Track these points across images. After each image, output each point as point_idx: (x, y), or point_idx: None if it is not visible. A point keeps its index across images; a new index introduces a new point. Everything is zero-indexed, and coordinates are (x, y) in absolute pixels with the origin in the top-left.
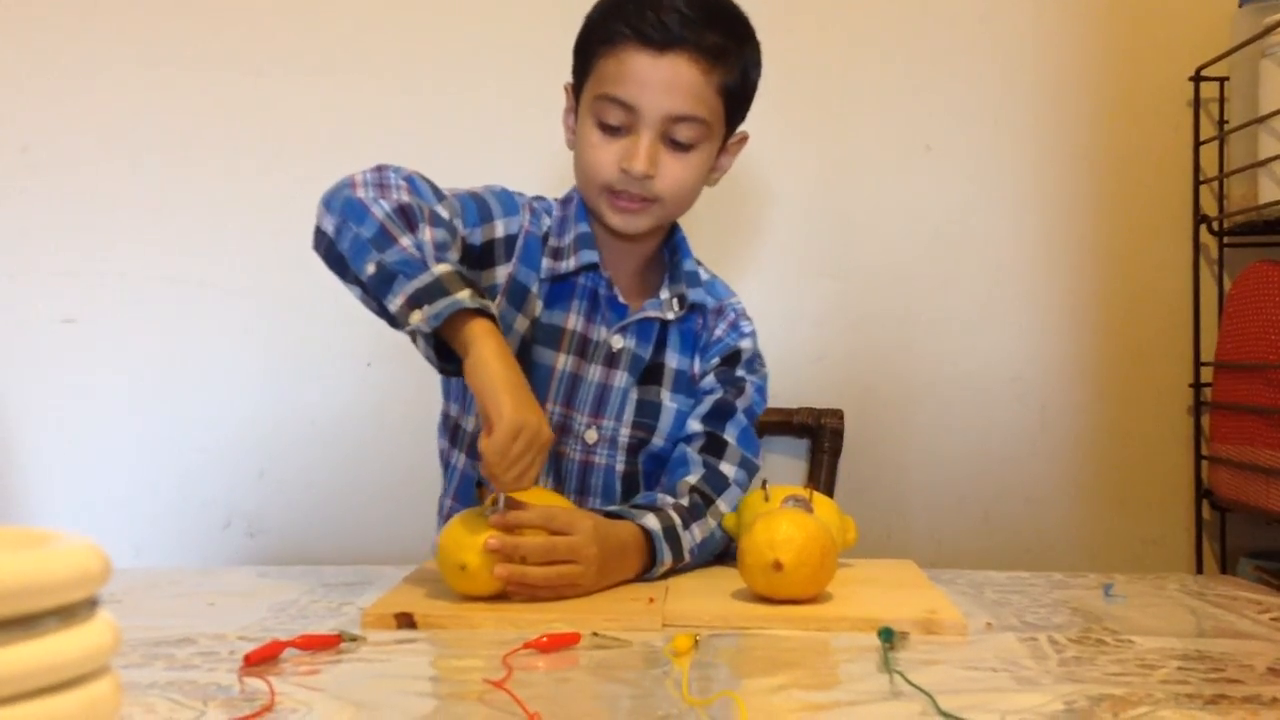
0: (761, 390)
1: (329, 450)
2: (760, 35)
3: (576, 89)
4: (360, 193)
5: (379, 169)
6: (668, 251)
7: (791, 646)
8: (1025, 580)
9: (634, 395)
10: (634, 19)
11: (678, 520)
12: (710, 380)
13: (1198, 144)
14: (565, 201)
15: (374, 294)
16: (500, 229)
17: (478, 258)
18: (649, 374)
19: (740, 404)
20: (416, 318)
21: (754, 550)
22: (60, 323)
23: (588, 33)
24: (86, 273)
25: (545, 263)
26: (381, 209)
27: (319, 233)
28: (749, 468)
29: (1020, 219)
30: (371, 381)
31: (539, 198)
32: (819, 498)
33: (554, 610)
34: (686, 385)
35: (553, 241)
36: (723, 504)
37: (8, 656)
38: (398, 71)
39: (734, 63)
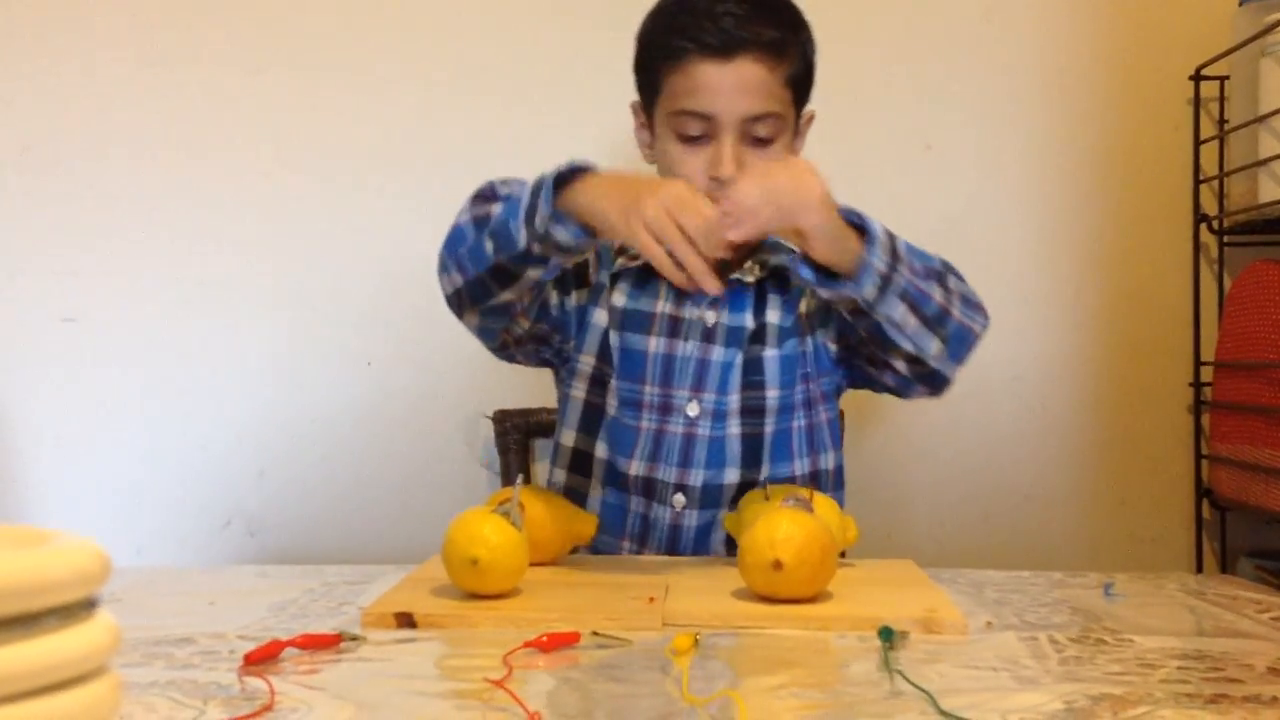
0: None
1: (329, 450)
2: None
3: (645, 106)
4: (446, 237)
5: (472, 197)
6: None
7: (791, 646)
8: (1025, 579)
9: (739, 362)
10: (693, 30)
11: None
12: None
13: (1198, 143)
14: None
15: (509, 259)
16: None
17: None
18: (754, 337)
19: None
20: (539, 221)
21: (754, 549)
22: (60, 322)
23: (648, 52)
24: (86, 272)
25: (619, 261)
26: (462, 218)
27: (453, 297)
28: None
29: (1020, 218)
30: (371, 381)
31: None
32: (819, 497)
33: (554, 610)
34: (790, 333)
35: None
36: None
37: (7, 656)
38: (398, 70)
39: (795, 52)
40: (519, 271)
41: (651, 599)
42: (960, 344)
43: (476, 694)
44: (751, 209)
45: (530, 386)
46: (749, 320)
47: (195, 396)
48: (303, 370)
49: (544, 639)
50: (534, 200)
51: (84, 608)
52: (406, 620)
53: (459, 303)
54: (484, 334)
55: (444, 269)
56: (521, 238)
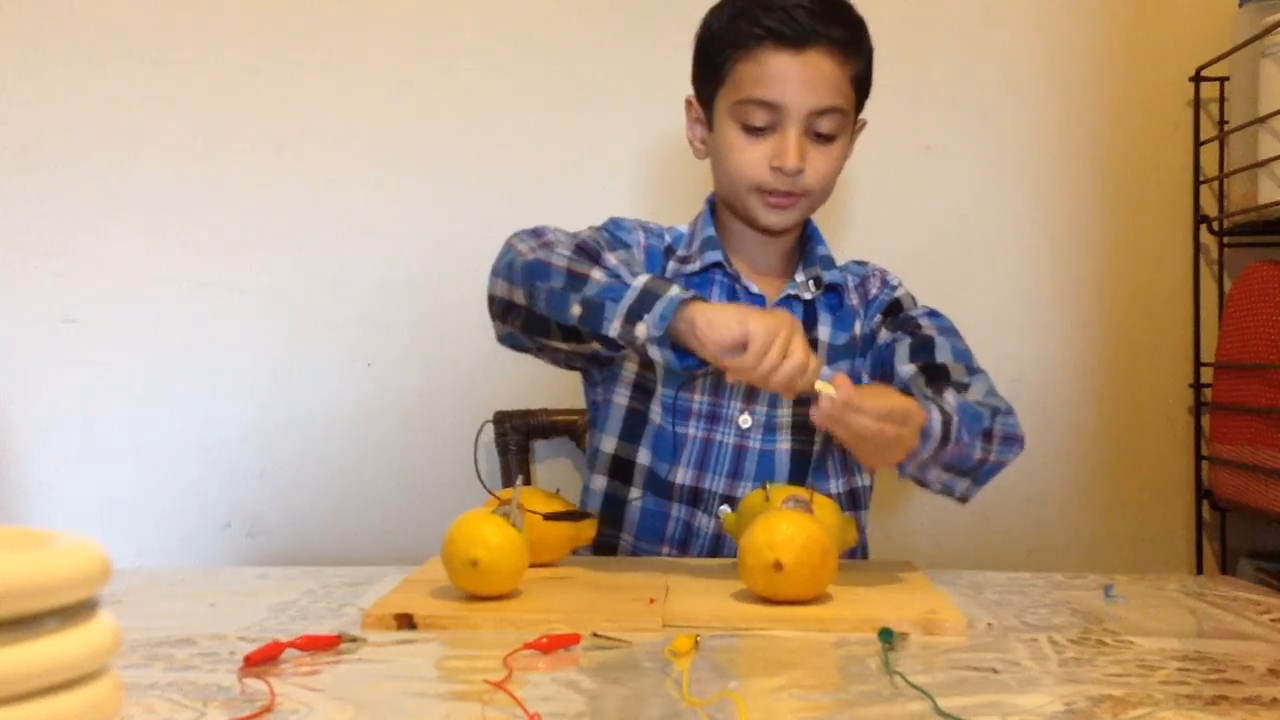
0: (935, 314)
1: (329, 451)
2: None
3: (704, 98)
4: (531, 255)
5: (531, 230)
6: (800, 240)
7: (792, 647)
8: (1025, 581)
9: None
10: (765, 19)
11: (929, 394)
12: (885, 336)
13: (1198, 144)
14: (694, 220)
15: (588, 330)
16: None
17: None
18: None
19: (934, 334)
20: (641, 330)
21: (754, 551)
22: (60, 323)
23: (714, 41)
24: (86, 273)
25: (671, 265)
26: (561, 256)
27: (504, 304)
28: (978, 372)
29: (1020, 219)
30: (372, 382)
31: (663, 227)
32: (819, 498)
33: (554, 611)
34: (844, 354)
35: (680, 252)
36: (973, 393)
37: (8, 657)
38: (398, 71)
39: (860, 53)
40: (589, 340)
41: (651, 600)
42: (989, 476)
43: (476, 695)
44: (852, 423)
45: (530, 388)
46: None
47: (195, 398)
48: (303, 371)
49: (544, 640)
50: (639, 304)
51: (84, 609)
52: (406, 622)
53: (507, 314)
54: (510, 340)
55: (509, 280)
56: (613, 328)
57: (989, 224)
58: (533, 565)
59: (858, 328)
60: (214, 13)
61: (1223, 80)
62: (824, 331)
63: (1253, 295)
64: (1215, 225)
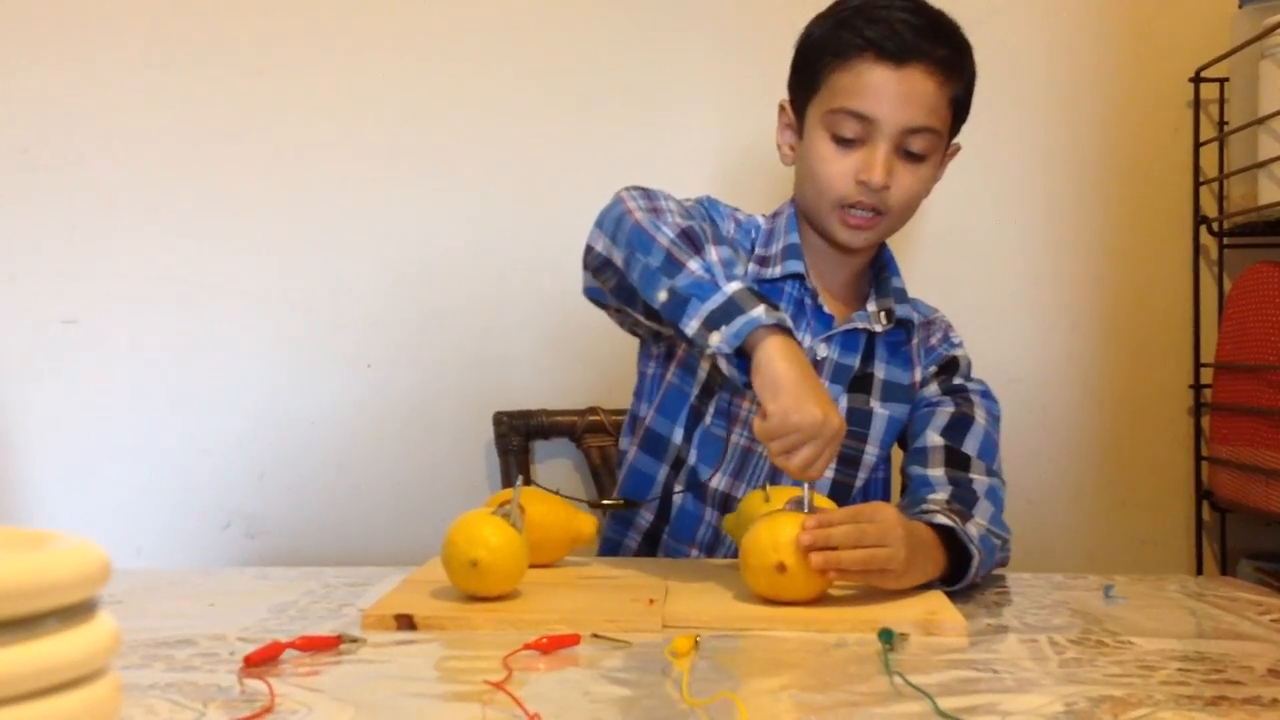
0: (989, 395)
1: (329, 452)
2: (759, 34)
3: (798, 104)
4: (640, 217)
5: (644, 191)
6: (875, 267)
7: (791, 648)
8: (1025, 581)
9: (842, 403)
10: (867, 31)
11: (956, 520)
12: (934, 391)
13: (1198, 145)
14: (774, 215)
15: (668, 318)
16: None
17: None
18: (856, 384)
19: (977, 415)
20: (715, 339)
21: (757, 552)
22: (61, 324)
23: (814, 47)
24: (87, 274)
25: (751, 268)
26: (666, 235)
27: (601, 260)
28: (995, 478)
29: (1020, 220)
30: (372, 383)
31: (749, 220)
32: (820, 499)
33: (554, 611)
34: (898, 395)
35: (759, 251)
36: (978, 516)
37: (7, 657)
38: (399, 73)
39: (962, 74)
40: (669, 328)
41: (651, 601)
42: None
43: (476, 696)
44: (835, 557)
45: (530, 389)
46: (856, 363)
47: (196, 398)
48: (303, 373)
49: (544, 641)
50: (721, 313)
51: (84, 610)
52: (406, 622)
53: (601, 271)
54: (595, 294)
55: (613, 239)
56: (690, 327)
57: (989, 225)
58: (533, 566)
59: (917, 375)
60: (218, 13)
61: (1223, 81)
62: (880, 368)
63: (1252, 296)
64: (1215, 226)
